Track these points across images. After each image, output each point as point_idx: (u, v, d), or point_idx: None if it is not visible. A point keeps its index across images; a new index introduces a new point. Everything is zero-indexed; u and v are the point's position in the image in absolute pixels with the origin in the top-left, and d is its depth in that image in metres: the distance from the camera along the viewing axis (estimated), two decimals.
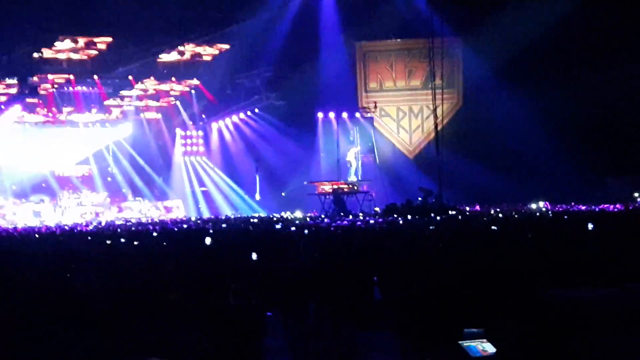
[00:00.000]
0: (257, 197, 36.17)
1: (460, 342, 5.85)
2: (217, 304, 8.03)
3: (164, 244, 13.76)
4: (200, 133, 39.81)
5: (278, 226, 19.52)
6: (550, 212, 23.23)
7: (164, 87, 36.93)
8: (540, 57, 33.14)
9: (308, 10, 34.09)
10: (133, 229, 21.19)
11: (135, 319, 7.33)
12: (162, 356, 6.30)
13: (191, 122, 39.33)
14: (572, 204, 28.53)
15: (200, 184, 39.10)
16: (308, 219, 25.31)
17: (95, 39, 32.35)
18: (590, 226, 13.87)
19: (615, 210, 23.78)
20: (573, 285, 7.41)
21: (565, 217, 19.57)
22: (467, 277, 8.00)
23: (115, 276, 9.22)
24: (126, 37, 32.86)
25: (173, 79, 36.51)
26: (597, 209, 24.81)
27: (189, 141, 39.74)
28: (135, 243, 14.63)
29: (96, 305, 7.51)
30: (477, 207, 29.30)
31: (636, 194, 30.69)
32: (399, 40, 37.28)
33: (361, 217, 24.73)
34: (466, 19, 33.54)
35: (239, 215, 31.91)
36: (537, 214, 22.70)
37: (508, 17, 32.21)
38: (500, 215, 22.07)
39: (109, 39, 32.43)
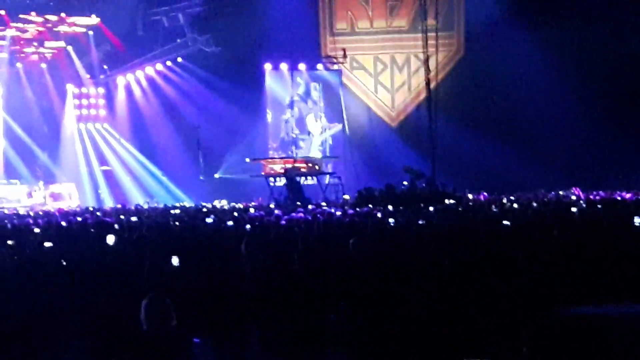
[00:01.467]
0: (201, 176, 36.05)
1: None
2: (124, 326, 8.01)
3: (50, 244, 13.67)
4: (101, 90, 39.55)
5: (209, 220, 19.50)
6: (582, 202, 23.46)
7: (51, 25, 36.56)
8: None
9: None
10: (6, 222, 21.02)
11: (14, 348, 7.32)
12: None
13: (88, 76, 39.04)
14: (612, 191, 28.82)
15: (101, 162, 38.88)
16: (251, 210, 25.30)
17: None
18: (637, 220, 14.02)
19: None
20: (610, 301, 7.51)
21: (601, 207, 19.75)
22: (467, 291, 8.07)
23: None
24: None
25: (63, 15, 36.15)
26: None
27: (84, 102, 39.50)
28: (9, 243, 14.51)
29: None
30: (484, 195, 29.50)
31: None
32: None
33: (324, 208, 24.77)
34: None
35: (156, 205, 31.80)
36: (565, 204, 22.91)
37: None
38: (515, 205, 22.23)
39: None
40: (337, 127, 35.08)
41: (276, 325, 9.00)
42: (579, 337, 6.67)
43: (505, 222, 15.23)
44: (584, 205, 21.57)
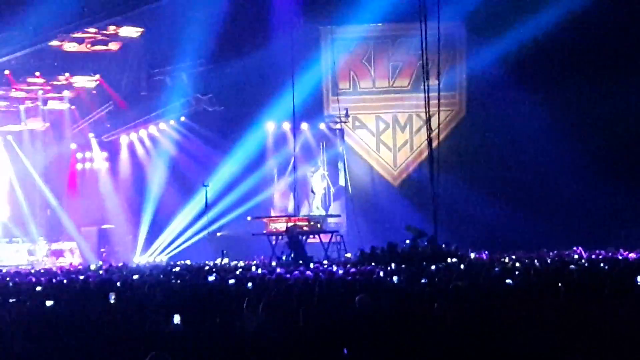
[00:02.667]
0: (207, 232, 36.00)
1: None
2: None
3: (52, 302, 13.60)
4: (105, 155, 39.62)
5: (211, 278, 19.43)
6: (585, 261, 23.39)
7: (54, 86, 36.74)
8: (569, 49, 33.53)
9: None
10: (8, 281, 20.95)
11: None
12: None
13: (92, 135, 39.12)
14: (615, 250, 28.73)
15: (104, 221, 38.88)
16: (254, 268, 25.22)
17: None
18: None
19: None
20: None
21: (606, 267, 19.69)
22: (471, 348, 8.01)
23: None
24: (3, 17, 32.66)
25: (67, 75, 36.31)
26: None
27: (88, 157, 39.54)
28: (11, 301, 14.47)
29: None
30: (486, 254, 29.42)
31: None
32: (379, 24, 37.55)
33: (326, 266, 24.69)
34: None
35: (157, 263, 31.73)
36: (567, 262, 22.83)
37: None
38: (517, 264, 22.16)
39: None
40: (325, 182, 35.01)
41: None
42: None
43: (508, 281, 15.18)
44: (586, 264, 21.51)
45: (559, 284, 14.14)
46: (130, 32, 34.26)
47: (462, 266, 22.64)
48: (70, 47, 34.76)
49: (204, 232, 35.71)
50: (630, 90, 32.33)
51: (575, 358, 7.90)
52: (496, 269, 20.96)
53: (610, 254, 27.24)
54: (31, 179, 38.22)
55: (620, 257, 25.26)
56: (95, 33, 34.18)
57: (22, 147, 38.39)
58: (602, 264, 20.51)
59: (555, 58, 33.46)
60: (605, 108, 32.77)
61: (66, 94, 37.65)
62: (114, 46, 35.12)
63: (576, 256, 27.32)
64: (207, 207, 35.42)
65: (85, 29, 33.88)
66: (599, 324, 9.35)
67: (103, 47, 35.13)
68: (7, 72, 35.48)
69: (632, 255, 26.00)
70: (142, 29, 34.33)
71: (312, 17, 36.45)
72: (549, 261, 24.50)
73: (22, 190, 37.81)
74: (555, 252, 28.71)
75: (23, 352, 9.11)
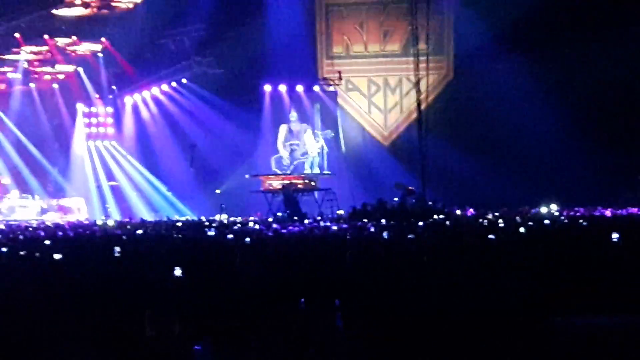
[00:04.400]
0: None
1: None
2: (129, 333, 7.98)
3: (60, 255, 13.63)
4: (110, 110, 39.51)
5: (211, 233, 19.49)
6: (564, 218, 23.47)
7: (63, 48, 36.60)
8: (553, 14, 33.42)
9: None
10: (19, 234, 20.98)
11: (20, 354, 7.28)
12: None
13: (97, 96, 39.02)
14: (593, 207, 28.80)
15: (109, 178, 38.82)
16: (251, 223, 25.28)
17: None
18: (615, 236, 13.99)
19: None
20: (591, 312, 7.49)
21: (584, 223, 19.77)
22: (456, 302, 8.05)
23: None
24: None
25: (74, 37, 36.19)
26: (625, 213, 25.12)
27: (94, 120, 39.41)
28: (22, 253, 14.49)
29: None
30: (471, 211, 29.48)
31: None
32: None
33: (320, 222, 24.75)
34: None
35: (160, 219, 31.76)
36: (548, 219, 22.90)
37: None
38: (500, 221, 22.22)
39: None
40: (321, 141, 34.91)
41: (275, 331, 8.95)
42: (571, 345, 6.66)
43: (490, 237, 15.23)
44: (565, 221, 21.58)
45: (538, 240, 14.21)
46: None
47: (448, 222, 22.72)
48: (76, 11, 34.66)
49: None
50: (612, 55, 32.24)
51: (555, 308, 7.93)
52: (480, 225, 21.09)
53: (587, 210, 27.34)
54: (40, 137, 38.13)
55: (597, 214, 25.35)
56: None
57: (33, 106, 38.24)
58: (580, 221, 20.60)
59: (541, 24, 33.31)
60: (588, 73, 32.75)
61: (73, 57, 37.52)
62: (119, 11, 35.00)
63: (556, 212, 27.44)
64: (192, 166, 35.60)
65: None
66: (579, 278, 9.40)
67: (108, 12, 35.02)
68: (17, 35, 35.40)
69: (608, 212, 26.10)
70: None
71: None
72: (530, 217, 24.65)
73: (32, 148, 37.69)
74: (536, 209, 28.78)
75: (32, 301, 9.13)
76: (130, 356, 7.62)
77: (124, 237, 18.13)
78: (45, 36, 35.83)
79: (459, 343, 7.19)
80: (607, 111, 32.63)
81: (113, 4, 34.60)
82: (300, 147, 34.43)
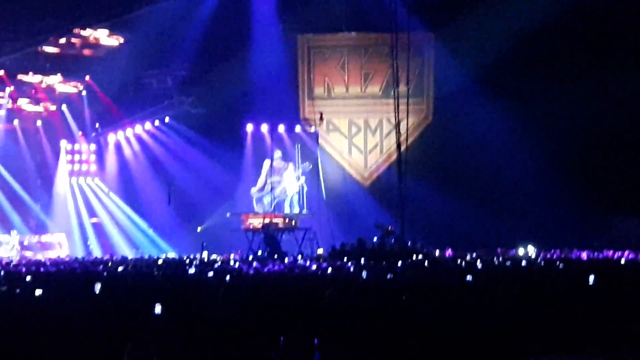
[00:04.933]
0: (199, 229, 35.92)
1: None
2: None
3: (41, 291, 13.56)
4: (93, 147, 39.48)
5: (191, 270, 19.41)
6: (541, 260, 23.51)
7: (47, 85, 36.61)
8: (530, 59, 33.74)
9: None
10: (0, 270, 20.86)
11: None
12: None
13: (81, 133, 38.99)
14: (569, 249, 28.86)
15: (91, 214, 38.72)
16: (231, 261, 25.22)
17: None
18: (591, 279, 14.03)
19: (624, 258, 24.13)
20: (568, 352, 7.51)
21: (560, 265, 19.83)
22: (434, 341, 8.06)
23: None
24: None
25: (59, 75, 36.23)
26: (600, 257, 25.18)
27: (77, 157, 39.38)
28: (2, 289, 14.41)
29: None
30: (449, 252, 29.51)
31: None
32: (353, 34, 37.51)
33: (300, 261, 24.71)
34: (439, 10, 33.99)
35: (141, 256, 31.64)
36: (525, 261, 22.93)
37: (491, 7, 32.79)
38: (478, 262, 22.24)
39: None
40: (302, 180, 35.03)
41: None
42: None
43: (468, 278, 15.24)
44: (542, 263, 21.63)
45: (516, 281, 14.23)
46: (112, 40, 34.31)
47: (426, 263, 22.72)
48: (60, 50, 34.72)
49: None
50: (586, 99, 32.49)
51: (530, 349, 7.96)
52: (458, 266, 21.09)
53: (564, 253, 27.40)
54: (23, 174, 38.02)
55: (573, 257, 25.42)
56: (84, 38, 34.17)
57: (16, 143, 38.17)
58: (557, 263, 20.65)
59: (517, 67, 33.57)
60: (562, 117, 33.01)
61: (57, 95, 37.55)
62: (104, 50, 35.11)
63: (533, 254, 27.49)
64: (169, 204, 35.60)
65: (76, 34, 33.87)
66: (554, 319, 9.42)
67: (92, 52, 35.12)
68: (1, 72, 35.39)
69: (584, 255, 26.16)
70: (132, 34, 34.32)
71: (290, 25, 36.41)
72: (506, 258, 24.69)
73: (16, 185, 37.59)
74: (513, 251, 28.83)
75: (13, 336, 9.10)
76: None
77: (105, 274, 18.05)
78: (30, 74, 35.83)
79: None
80: (582, 153, 32.84)
81: (97, 43, 34.67)
82: (280, 185, 34.41)
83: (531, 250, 28.94)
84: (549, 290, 12.56)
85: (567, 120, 32.83)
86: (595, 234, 31.83)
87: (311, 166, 34.57)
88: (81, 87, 37.37)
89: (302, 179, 34.81)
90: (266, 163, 34.60)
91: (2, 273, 19.75)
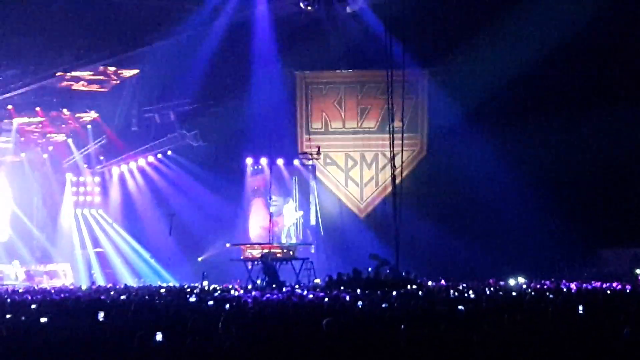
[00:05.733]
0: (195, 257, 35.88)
1: None
2: None
3: (46, 319, 13.52)
4: (97, 179, 39.49)
5: (192, 299, 19.37)
6: (531, 290, 23.45)
7: (53, 119, 36.68)
8: (520, 98, 33.91)
9: (237, 31, 34.14)
10: (6, 298, 20.80)
11: None
12: None
13: (86, 165, 39.02)
14: (556, 280, 28.83)
15: (95, 244, 38.66)
16: (231, 290, 25.15)
17: None
18: (580, 309, 14.02)
19: (612, 288, 24.11)
20: None
21: (550, 295, 19.78)
22: None
23: None
24: (7, 56, 32.60)
25: (65, 110, 36.32)
26: (589, 287, 25.13)
27: (82, 189, 39.40)
28: (8, 317, 14.37)
29: None
30: (442, 282, 29.43)
31: (638, 270, 31.15)
32: (350, 71, 37.67)
33: (298, 290, 24.64)
34: (433, 49, 34.16)
35: (143, 285, 31.59)
36: (515, 292, 22.89)
37: (482, 48, 32.97)
38: (470, 292, 22.19)
39: None
40: (300, 213, 35.22)
41: None
42: None
43: (460, 308, 15.20)
44: (532, 293, 21.57)
45: (506, 311, 14.19)
46: (126, 73, 34.44)
47: (420, 293, 22.65)
48: (66, 85, 34.84)
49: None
50: (575, 135, 32.70)
51: None
52: (451, 296, 21.04)
53: (553, 284, 27.34)
54: (30, 206, 38.01)
55: (563, 288, 25.37)
56: (91, 74, 34.30)
57: (23, 175, 38.19)
58: (547, 293, 20.61)
59: (507, 106, 33.73)
60: (551, 154, 33.25)
61: (63, 128, 37.64)
62: (108, 86, 35.22)
63: (524, 285, 27.43)
64: (170, 234, 35.58)
65: (82, 70, 33.99)
66: (545, 348, 9.39)
67: (98, 87, 35.24)
68: (9, 107, 35.47)
69: (573, 285, 26.11)
70: (137, 70, 34.47)
71: (289, 62, 36.51)
72: (497, 289, 24.64)
73: (22, 215, 37.57)
74: (503, 282, 28.76)
75: None
76: None
77: (108, 302, 18.01)
78: (37, 109, 35.93)
79: None
80: (570, 188, 32.97)
81: (102, 78, 34.78)
82: (277, 217, 34.52)
83: (521, 281, 28.91)
84: (538, 318, 12.54)
85: (556, 157, 33.08)
86: (584, 265, 31.85)
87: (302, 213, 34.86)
88: (87, 120, 37.41)
89: (300, 212, 34.86)
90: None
91: (9, 301, 19.71)
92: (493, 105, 33.50)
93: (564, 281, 28.16)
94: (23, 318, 14.21)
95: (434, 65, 35.55)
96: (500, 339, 10.10)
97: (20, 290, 26.69)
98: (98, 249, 38.62)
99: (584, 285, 26.31)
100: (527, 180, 33.05)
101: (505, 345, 9.55)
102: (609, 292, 22.05)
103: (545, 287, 25.92)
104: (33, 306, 17.27)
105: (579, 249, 32.14)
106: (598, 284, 26.46)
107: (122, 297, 21.09)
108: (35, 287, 30.48)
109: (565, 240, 31.90)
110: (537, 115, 33.63)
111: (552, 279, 28.88)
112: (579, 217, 32.40)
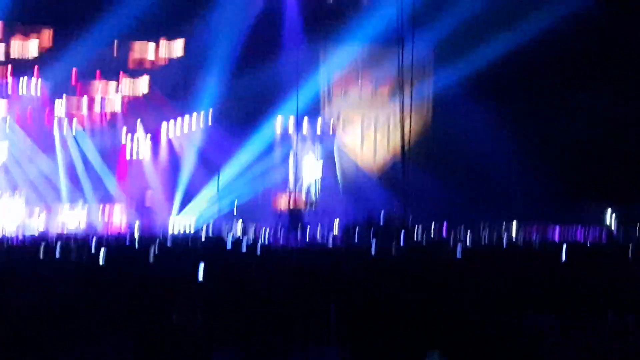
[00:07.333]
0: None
1: None
2: (160, 325, 7.99)
3: (104, 257, 13.62)
4: (150, 138, 39.58)
5: (229, 243, 19.48)
6: (522, 234, 23.53)
7: (114, 86, 36.89)
8: (521, 64, 33.53)
9: (268, 10, 34.13)
10: (70, 241, 20.94)
11: (69, 338, 7.29)
12: None
13: (140, 125, 39.09)
14: (543, 225, 28.81)
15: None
16: (262, 236, 25.29)
17: (37, 30, 32.16)
18: (563, 252, 14.04)
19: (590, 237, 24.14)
20: (541, 313, 7.51)
21: (536, 240, 19.84)
22: (431, 302, 8.06)
23: (46, 291, 9.13)
24: (72, 29, 32.65)
25: (122, 75, 36.44)
26: (570, 231, 25.20)
27: (136, 146, 39.49)
28: (71, 257, 14.50)
29: (23, 326, 7.43)
30: (444, 228, 29.47)
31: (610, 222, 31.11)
32: (366, 46, 37.46)
33: (319, 236, 24.76)
34: (439, 27, 33.88)
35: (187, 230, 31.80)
36: (508, 237, 22.95)
37: (484, 26, 32.64)
38: (469, 235, 22.26)
39: (50, 30, 32.26)
40: (319, 169, 35.43)
41: (279, 328, 8.95)
42: (520, 339, 6.67)
43: (458, 250, 15.24)
44: (521, 239, 21.63)
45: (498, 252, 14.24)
46: (175, 45, 34.56)
47: (425, 239, 22.74)
48: (125, 56, 34.97)
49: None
50: (571, 100, 32.48)
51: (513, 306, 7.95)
52: (452, 240, 21.12)
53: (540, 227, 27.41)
54: (91, 160, 38.13)
55: (549, 232, 25.42)
56: (145, 43, 34.43)
57: (85, 133, 38.33)
58: (534, 237, 20.65)
59: (507, 79, 33.43)
60: (547, 115, 33.02)
61: (123, 94, 37.77)
62: (159, 58, 35.31)
63: (514, 231, 27.49)
64: (219, 189, 35.72)
65: (137, 40, 34.15)
66: (533, 289, 9.42)
67: (152, 58, 35.37)
68: (73, 70, 35.62)
69: (556, 229, 26.17)
70: (177, 47, 34.55)
71: (313, 38, 36.43)
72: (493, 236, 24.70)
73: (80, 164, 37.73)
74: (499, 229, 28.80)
75: (81, 297, 9.14)
76: (160, 343, 7.63)
77: (157, 245, 18.14)
78: (99, 76, 36.09)
79: (427, 336, 7.17)
80: (565, 147, 32.77)
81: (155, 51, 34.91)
82: (301, 172, 34.60)
83: (514, 227, 28.99)
84: (526, 259, 12.58)
85: (549, 121, 32.79)
86: (567, 213, 31.77)
87: None
88: (143, 88, 37.51)
89: (319, 168, 34.96)
90: (291, 155, 34.82)
91: (72, 242, 19.87)
92: (494, 77, 33.19)
93: (550, 225, 28.19)
94: (84, 258, 14.34)
95: (440, 42, 35.29)
96: (497, 278, 10.13)
97: (80, 234, 26.90)
98: (149, 193, 38.77)
99: (566, 229, 26.35)
100: (522, 139, 32.89)
101: (498, 282, 9.58)
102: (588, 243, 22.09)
103: (533, 230, 25.98)
104: (92, 247, 17.43)
105: (565, 200, 32.02)
106: (579, 227, 26.48)
107: (169, 240, 21.24)
108: (94, 230, 30.74)
109: (554, 192, 31.81)
110: (538, 80, 33.34)
111: (539, 225, 28.89)
112: (569, 175, 32.22)
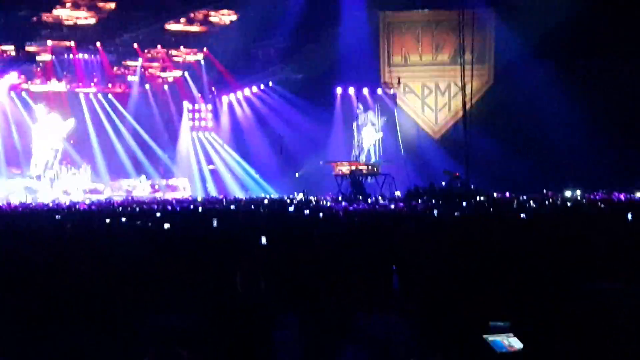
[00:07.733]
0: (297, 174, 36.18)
1: (485, 335, 5.81)
2: (224, 289, 8.03)
3: (168, 225, 13.77)
4: (209, 107, 39.85)
5: (291, 208, 19.53)
6: (585, 201, 23.15)
7: (172, 56, 37.05)
8: (580, 33, 32.87)
9: None
10: (136, 208, 21.27)
11: (135, 304, 7.36)
12: (167, 344, 6.32)
13: (200, 95, 39.38)
14: (608, 192, 28.33)
15: (208, 162, 39.19)
16: (324, 201, 25.32)
17: (99, 3, 32.42)
18: (629, 216, 13.75)
19: None
20: (608, 279, 7.37)
21: (602, 205, 19.49)
22: (494, 269, 7.98)
23: (114, 257, 9.25)
24: (132, 2, 32.88)
25: (181, 48, 36.61)
26: (637, 198, 24.68)
27: (197, 115, 39.82)
28: (138, 223, 14.68)
29: (93, 289, 7.54)
30: (507, 194, 29.17)
31: None
32: (426, 10, 37.08)
33: (381, 201, 24.70)
34: None
35: (250, 197, 31.99)
36: (571, 202, 22.59)
37: None
38: (532, 202, 21.97)
39: (113, 4, 32.49)
40: (379, 135, 35.30)
41: (342, 291, 8.93)
42: (587, 307, 6.55)
43: (522, 215, 15.08)
44: (586, 203, 21.27)
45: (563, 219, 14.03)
46: (225, 18, 34.62)
47: (487, 203, 22.54)
48: (182, 26, 35.10)
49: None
50: (637, 69, 31.79)
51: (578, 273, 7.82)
52: (515, 205, 20.88)
53: (605, 195, 26.91)
54: (153, 129, 38.55)
55: (614, 198, 24.95)
56: (204, 15, 34.49)
57: (148, 103, 38.72)
58: (601, 205, 20.29)
59: (568, 37, 32.69)
60: (607, 81, 32.28)
61: (180, 64, 38.00)
62: (218, 26, 35.33)
63: (579, 197, 27.04)
64: (282, 152, 35.80)
65: (196, 12, 34.23)
66: (596, 250, 9.25)
67: (208, 27, 35.42)
68: (135, 45, 35.88)
69: (622, 196, 25.67)
70: (238, 14, 34.50)
71: (373, 3, 36.15)
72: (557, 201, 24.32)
73: (147, 137, 38.15)
74: (561, 193, 28.41)
75: (147, 261, 9.24)
76: (223, 308, 7.66)
77: (221, 211, 18.27)
78: (158, 46, 36.28)
79: (490, 302, 7.09)
80: (624, 111, 32.07)
81: (212, 20, 34.92)
82: (362, 139, 34.60)
83: (578, 193, 28.52)
84: (592, 225, 12.36)
85: (610, 83, 32.09)
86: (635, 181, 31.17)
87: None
88: (200, 57, 37.66)
89: (380, 133, 34.83)
90: (354, 124, 34.95)
91: (138, 210, 20.15)
92: (554, 36, 32.52)
93: (615, 193, 27.67)
94: (150, 224, 14.51)
95: (501, 4, 34.77)
96: (557, 241, 9.98)
97: (146, 201, 27.26)
98: (211, 166, 39.14)
99: (632, 195, 25.87)
100: (586, 103, 32.19)
101: (562, 247, 9.43)
102: None
103: (598, 197, 25.54)
104: (158, 214, 17.63)
105: (630, 166, 31.41)
106: None
107: (232, 206, 21.39)
108: (159, 198, 31.12)
109: (617, 159, 31.24)
110: (605, 44, 32.63)
111: (604, 191, 28.42)
112: (630, 137, 31.61)
